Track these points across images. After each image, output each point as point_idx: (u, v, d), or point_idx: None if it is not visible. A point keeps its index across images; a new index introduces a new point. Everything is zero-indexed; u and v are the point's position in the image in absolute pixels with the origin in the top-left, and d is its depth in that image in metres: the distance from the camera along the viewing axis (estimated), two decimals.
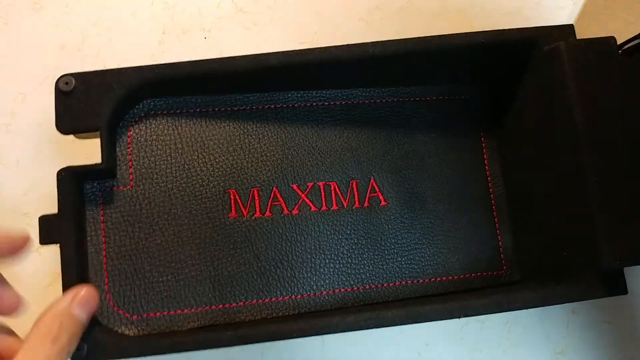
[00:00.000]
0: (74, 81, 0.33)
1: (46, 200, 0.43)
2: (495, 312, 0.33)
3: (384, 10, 0.52)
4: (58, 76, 0.47)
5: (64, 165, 0.43)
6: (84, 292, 0.30)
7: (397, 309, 0.32)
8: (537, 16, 0.51)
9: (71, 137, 0.45)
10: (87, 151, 0.40)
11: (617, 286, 0.33)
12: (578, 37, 0.36)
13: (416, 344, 0.39)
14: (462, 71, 0.40)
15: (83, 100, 0.33)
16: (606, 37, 0.33)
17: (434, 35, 0.36)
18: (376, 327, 0.32)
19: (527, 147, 0.38)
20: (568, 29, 0.36)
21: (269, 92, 0.38)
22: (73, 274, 0.31)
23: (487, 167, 0.40)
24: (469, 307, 0.33)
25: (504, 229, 0.39)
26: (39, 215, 0.40)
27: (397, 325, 0.32)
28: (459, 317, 0.33)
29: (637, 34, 0.33)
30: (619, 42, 0.34)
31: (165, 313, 0.34)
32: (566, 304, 0.40)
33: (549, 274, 0.35)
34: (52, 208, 0.36)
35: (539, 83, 0.36)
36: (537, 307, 0.33)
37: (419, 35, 0.37)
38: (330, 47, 0.35)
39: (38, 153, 0.44)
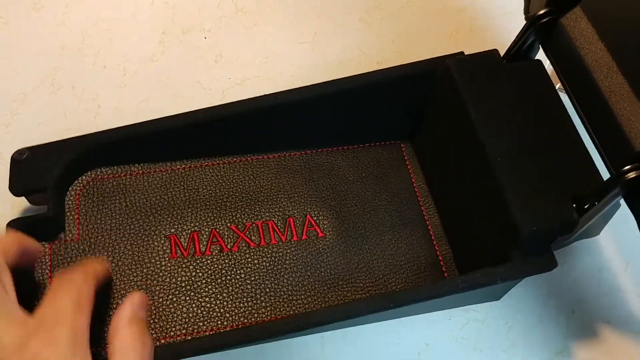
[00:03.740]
0: (27, 152, 0.37)
1: None
2: (421, 300, 0.34)
3: (384, 10, 0.52)
4: (58, 76, 0.47)
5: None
6: (137, 297, 0.32)
7: (326, 310, 0.34)
8: None
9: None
10: None
11: (546, 263, 0.35)
12: None
13: (416, 344, 0.39)
14: (377, 117, 0.43)
15: (34, 168, 0.37)
16: (490, 50, 0.39)
17: (338, 79, 0.40)
18: (305, 329, 0.33)
19: (444, 158, 0.41)
20: (459, 54, 0.40)
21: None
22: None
23: (415, 189, 0.43)
24: (396, 297, 0.34)
25: (441, 242, 0.41)
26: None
27: (326, 324, 0.33)
28: (389, 307, 0.33)
29: (512, 42, 0.38)
30: None
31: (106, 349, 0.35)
32: (563, 306, 0.40)
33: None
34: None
35: (443, 101, 0.39)
36: (465, 290, 0.34)
37: (419, 35, 0.37)
38: (243, 100, 0.39)
39: None
